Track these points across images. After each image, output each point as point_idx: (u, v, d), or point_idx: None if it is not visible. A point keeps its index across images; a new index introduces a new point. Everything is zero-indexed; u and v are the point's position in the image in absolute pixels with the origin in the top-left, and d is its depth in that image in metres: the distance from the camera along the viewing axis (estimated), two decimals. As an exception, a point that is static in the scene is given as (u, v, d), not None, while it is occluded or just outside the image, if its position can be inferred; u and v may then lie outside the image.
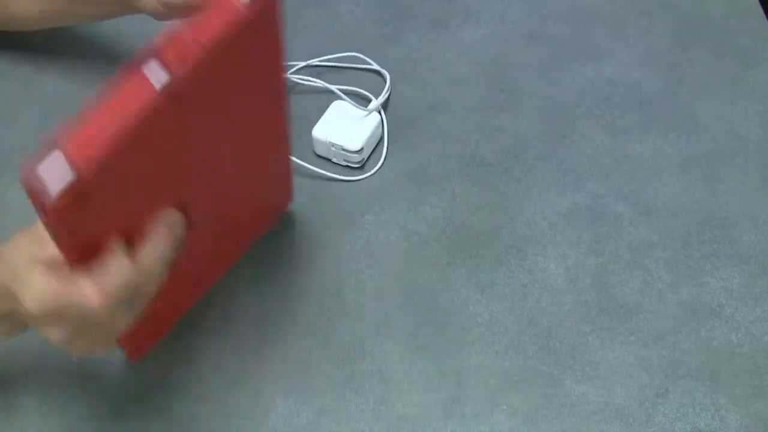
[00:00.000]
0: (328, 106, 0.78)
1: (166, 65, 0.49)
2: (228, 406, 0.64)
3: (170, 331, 0.67)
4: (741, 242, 0.70)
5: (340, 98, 0.78)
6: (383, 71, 0.82)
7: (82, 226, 0.50)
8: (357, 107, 0.78)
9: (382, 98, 0.79)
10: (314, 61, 0.83)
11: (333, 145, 0.75)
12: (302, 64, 0.82)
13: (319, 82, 0.80)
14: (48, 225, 0.49)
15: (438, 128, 0.79)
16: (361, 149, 0.75)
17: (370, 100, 0.79)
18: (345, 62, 0.83)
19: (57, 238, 0.50)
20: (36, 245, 0.51)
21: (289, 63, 0.82)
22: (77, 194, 0.47)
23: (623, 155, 0.76)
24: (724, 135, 0.77)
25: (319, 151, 0.77)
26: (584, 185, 0.75)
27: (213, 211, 0.61)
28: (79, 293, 0.50)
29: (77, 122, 0.47)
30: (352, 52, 0.83)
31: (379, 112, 0.78)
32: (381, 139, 0.78)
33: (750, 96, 0.80)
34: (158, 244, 0.53)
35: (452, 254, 0.71)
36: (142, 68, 0.49)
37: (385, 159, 0.77)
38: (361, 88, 0.80)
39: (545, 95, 0.81)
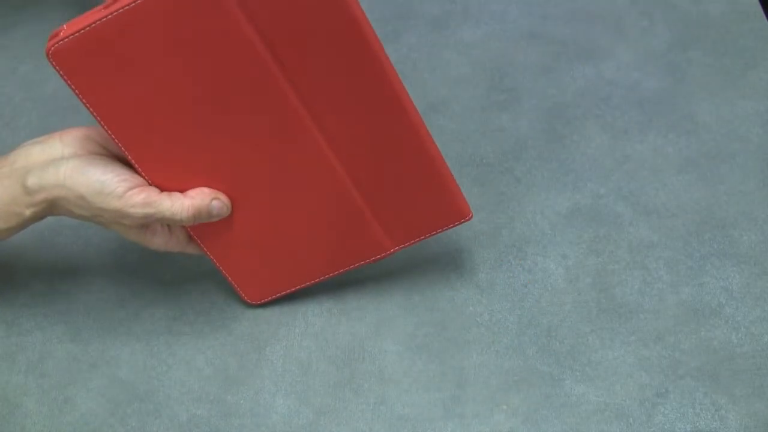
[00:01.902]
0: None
1: None
2: (228, 406, 0.64)
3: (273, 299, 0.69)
4: (741, 242, 0.70)
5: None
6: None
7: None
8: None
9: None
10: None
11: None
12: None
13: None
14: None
15: (438, 128, 0.79)
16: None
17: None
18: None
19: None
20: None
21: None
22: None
23: (623, 155, 0.76)
24: (724, 135, 0.77)
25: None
26: (584, 185, 0.75)
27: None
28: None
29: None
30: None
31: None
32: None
33: (750, 96, 0.80)
34: (179, 211, 0.60)
35: (452, 254, 0.71)
36: None
37: (385, 159, 0.77)
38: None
39: (545, 95, 0.81)
